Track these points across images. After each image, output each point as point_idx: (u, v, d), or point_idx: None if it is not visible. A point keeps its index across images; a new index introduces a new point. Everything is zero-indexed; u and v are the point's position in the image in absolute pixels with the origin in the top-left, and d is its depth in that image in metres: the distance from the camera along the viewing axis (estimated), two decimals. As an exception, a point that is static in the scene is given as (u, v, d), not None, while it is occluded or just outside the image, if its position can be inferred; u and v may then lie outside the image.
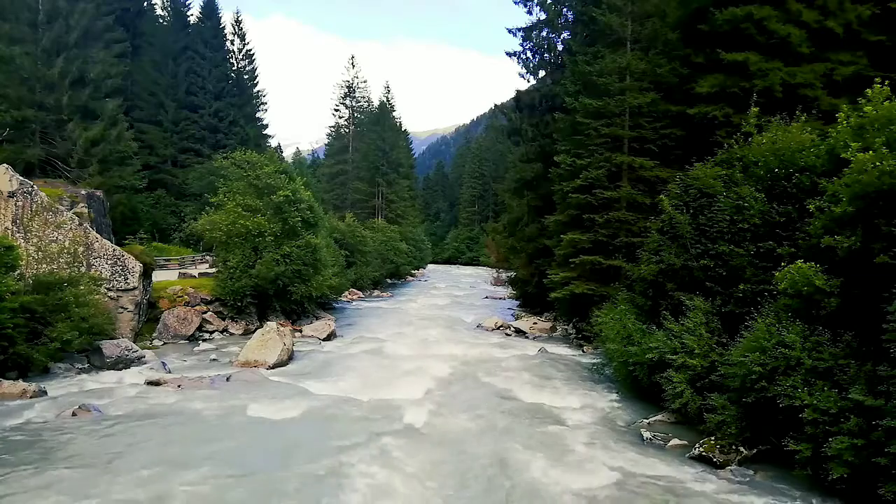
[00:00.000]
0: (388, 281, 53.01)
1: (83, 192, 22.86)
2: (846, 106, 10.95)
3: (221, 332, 22.66)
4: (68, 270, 17.52)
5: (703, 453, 10.21)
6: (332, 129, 71.53)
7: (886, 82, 10.29)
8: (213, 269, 26.28)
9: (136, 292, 19.60)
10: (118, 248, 20.11)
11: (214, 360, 18.17)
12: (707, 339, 11.64)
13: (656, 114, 20.35)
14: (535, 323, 26.48)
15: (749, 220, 12.01)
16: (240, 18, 51.79)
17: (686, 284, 13.07)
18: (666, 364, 12.01)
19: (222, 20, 50.01)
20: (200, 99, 46.37)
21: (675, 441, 11.10)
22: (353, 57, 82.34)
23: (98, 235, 19.75)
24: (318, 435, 11.22)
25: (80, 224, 19.23)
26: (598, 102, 20.70)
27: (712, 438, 10.42)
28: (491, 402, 13.99)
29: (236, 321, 23.43)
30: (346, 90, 69.41)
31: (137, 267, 19.61)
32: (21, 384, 13.20)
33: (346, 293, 38.15)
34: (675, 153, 19.57)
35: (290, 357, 18.13)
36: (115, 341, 17.00)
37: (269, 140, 55.10)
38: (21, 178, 18.60)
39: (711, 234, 12.66)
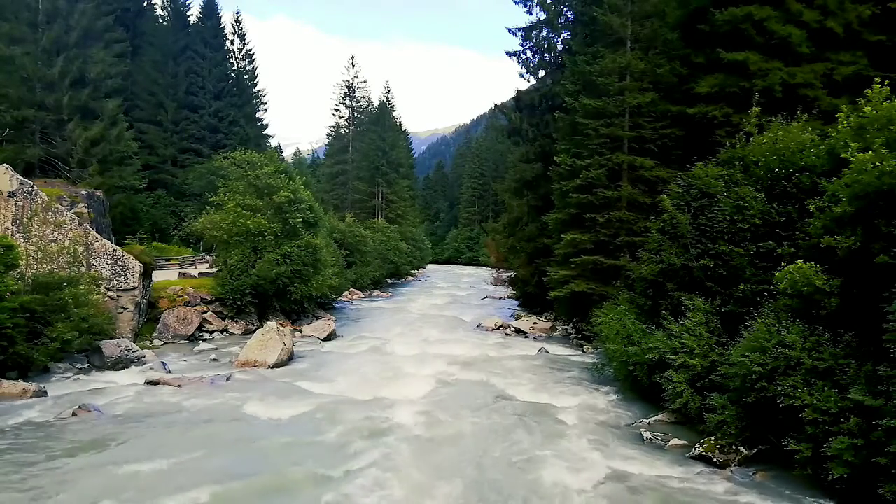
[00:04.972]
0: (388, 281, 53.01)
1: (83, 192, 22.86)
2: (846, 106, 10.96)
3: (221, 332, 22.66)
4: (68, 270, 17.53)
5: (703, 453, 10.21)
6: (332, 129, 71.50)
7: (886, 82, 10.29)
8: (213, 269, 26.29)
9: (136, 292, 19.60)
10: (118, 248, 20.11)
11: (214, 360, 18.17)
12: (707, 339, 11.64)
13: (656, 114, 20.34)
14: (535, 323, 26.47)
15: (749, 220, 12.01)
16: (240, 18, 51.90)
17: (686, 284, 13.07)
18: (666, 364, 12.00)
19: (222, 20, 50.06)
20: (200, 99, 46.36)
21: (675, 441, 11.10)
22: (353, 57, 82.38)
23: (98, 235, 19.75)
24: (319, 435, 11.22)
25: (80, 224, 19.23)
26: (598, 102, 20.69)
27: (712, 438, 10.42)
28: (491, 402, 13.99)
29: (236, 321, 23.43)
30: (346, 90, 69.37)
31: (137, 267, 19.61)
32: (21, 384, 13.20)
33: (346, 293, 38.16)
34: (675, 153, 19.56)
35: (290, 357, 18.13)
36: (115, 341, 17.00)
37: (269, 140, 55.20)
38: (21, 178, 18.61)
39: (711, 234, 12.65)
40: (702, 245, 12.79)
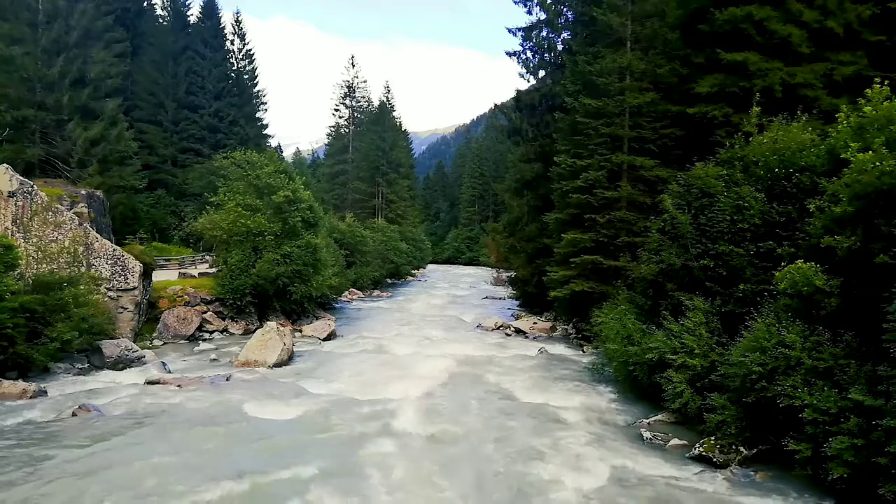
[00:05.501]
0: (388, 281, 53.00)
1: (83, 192, 22.86)
2: (846, 106, 10.95)
3: (221, 332, 22.66)
4: (68, 270, 17.52)
5: (703, 453, 10.21)
6: (332, 129, 71.56)
7: (886, 82, 10.29)
8: (213, 269, 26.30)
9: (136, 292, 19.60)
10: (118, 248, 20.10)
11: (214, 359, 18.17)
12: (707, 339, 11.63)
13: (656, 114, 20.33)
14: (534, 323, 26.47)
15: (749, 220, 12.01)
16: (239, 18, 51.94)
17: (686, 284, 13.06)
18: (666, 364, 12.00)
19: (222, 20, 50.12)
20: (200, 99, 46.39)
21: (675, 441, 11.10)
22: (353, 57, 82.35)
23: (98, 235, 19.75)
24: (319, 434, 11.22)
25: (80, 224, 19.23)
26: (598, 102, 20.69)
27: (712, 438, 10.42)
28: (490, 403, 14.00)
29: (236, 321, 23.43)
30: (346, 90, 69.43)
31: (137, 267, 19.61)
32: (21, 384, 13.20)
33: (346, 293, 38.15)
34: (675, 153, 19.54)
35: (290, 357, 18.13)
36: (115, 341, 17.00)
37: (269, 140, 55.25)
38: (21, 178, 18.60)
39: (712, 234, 12.65)
40: (702, 245, 12.78)
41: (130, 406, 12.73)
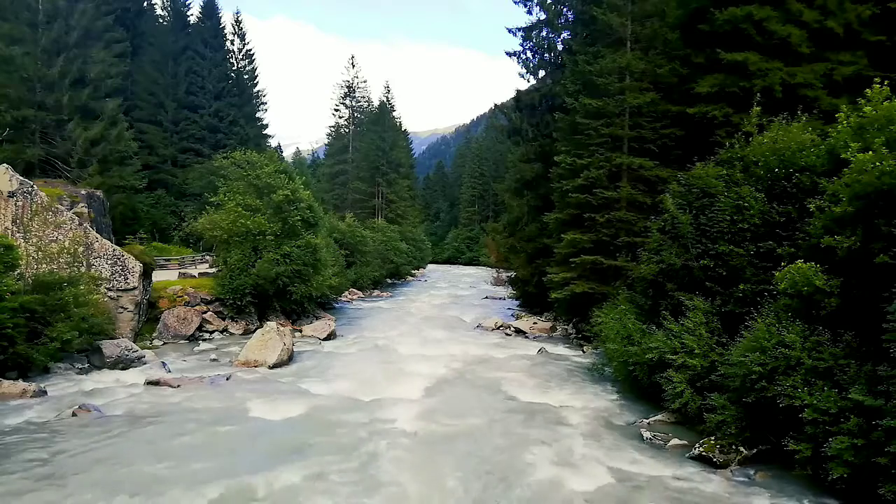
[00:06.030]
0: (388, 281, 53.01)
1: (83, 192, 22.86)
2: (846, 106, 10.95)
3: (221, 332, 22.66)
4: (68, 270, 17.52)
5: (703, 453, 10.21)
6: (332, 129, 71.62)
7: (886, 82, 10.29)
8: (213, 269, 26.31)
9: (136, 292, 19.60)
10: (118, 247, 20.10)
11: (214, 359, 18.17)
12: (707, 339, 11.64)
13: (656, 114, 20.34)
14: (535, 323, 26.47)
15: (749, 220, 12.01)
16: (239, 18, 51.98)
17: (686, 284, 13.06)
18: (666, 364, 12.00)
19: (222, 20, 50.15)
20: (200, 99, 46.41)
21: (675, 441, 11.10)
22: (353, 57, 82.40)
23: (98, 235, 19.74)
24: (319, 435, 11.21)
25: (80, 224, 19.22)
26: (598, 102, 20.70)
27: (712, 438, 10.42)
28: (490, 402, 13.99)
29: (236, 321, 23.43)
30: (346, 90, 69.49)
31: (137, 267, 19.61)
32: (21, 384, 13.20)
33: (346, 293, 38.16)
34: (675, 153, 19.54)
35: (290, 357, 18.13)
36: (115, 341, 16.99)
37: (269, 140, 55.30)
38: (21, 178, 18.59)
39: (712, 234, 12.65)
40: (702, 245, 12.78)
41: (130, 406, 12.73)
